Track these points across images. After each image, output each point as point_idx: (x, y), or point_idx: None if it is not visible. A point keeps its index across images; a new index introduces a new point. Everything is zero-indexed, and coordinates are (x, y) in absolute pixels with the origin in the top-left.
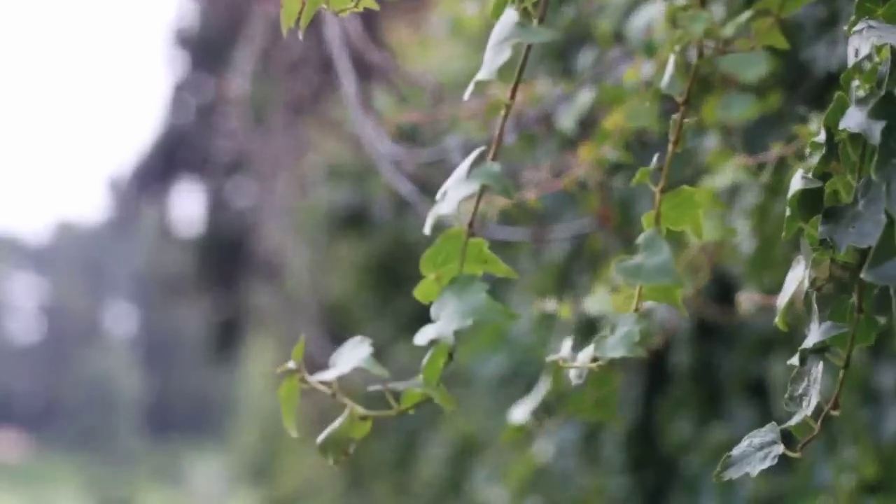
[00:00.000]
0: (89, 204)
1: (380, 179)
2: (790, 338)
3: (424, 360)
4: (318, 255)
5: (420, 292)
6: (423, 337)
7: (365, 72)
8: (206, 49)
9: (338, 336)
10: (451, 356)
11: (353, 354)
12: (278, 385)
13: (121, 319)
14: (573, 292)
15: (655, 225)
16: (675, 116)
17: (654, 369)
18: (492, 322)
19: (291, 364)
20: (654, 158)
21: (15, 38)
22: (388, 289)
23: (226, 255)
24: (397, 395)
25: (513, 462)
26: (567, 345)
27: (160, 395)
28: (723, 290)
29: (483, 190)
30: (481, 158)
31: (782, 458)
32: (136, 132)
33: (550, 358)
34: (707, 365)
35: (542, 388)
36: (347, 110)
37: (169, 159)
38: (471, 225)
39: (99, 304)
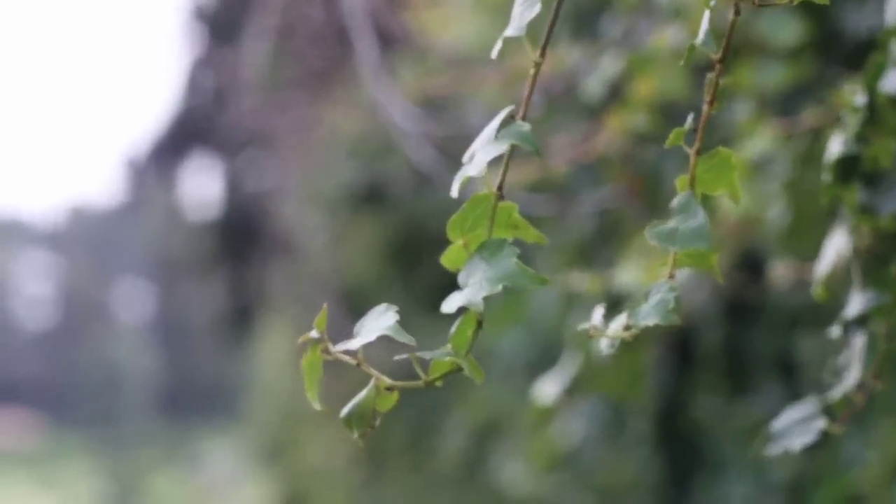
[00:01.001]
0: (103, 186)
1: (399, 155)
2: (819, 315)
3: (453, 329)
4: (335, 232)
5: (447, 259)
6: (450, 304)
7: (385, 42)
8: (223, 25)
9: (355, 315)
10: (480, 324)
11: (379, 323)
12: (297, 360)
13: (134, 301)
14: (598, 268)
15: (690, 188)
16: (711, 75)
17: (681, 348)
18: (523, 287)
19: (314, 333)
20: (689, 118)
21: (28, 19)
22: (407, 267)
23: (241, 236)
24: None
25: (535, 442)
26: (598, 313)
27: (174, 376)
28: (751, 266)
29: (512, 150)
30: (510, 119)
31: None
32: (150, 112)
33: (582, 326)
34: (735, 343)
35: (571, 365)
36: (367, 83)
37: (184, 139)
38: (500, 188)
39: (112, 286)
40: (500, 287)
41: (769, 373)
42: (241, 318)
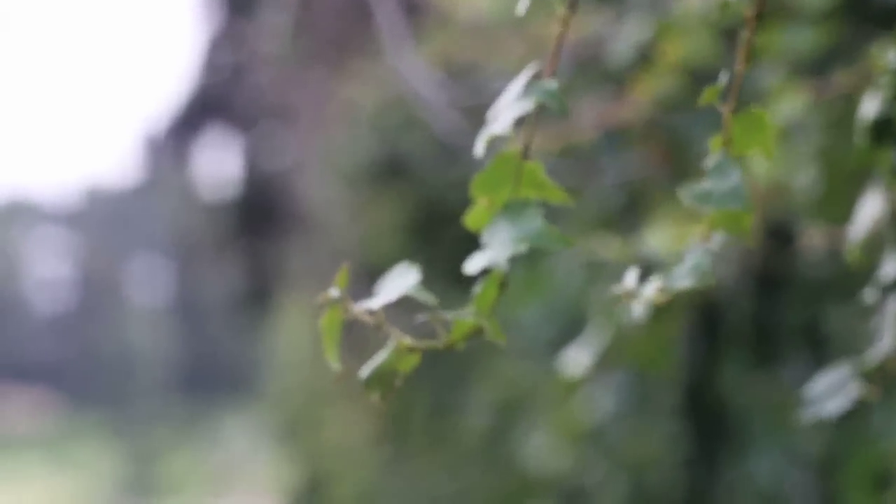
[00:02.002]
0: (119, 166)
1: (420, 127)
2: (847, 285)
3: (476, 290)
4: (355, 207)
5: (471, 219)
6: (474, 264)
7: (407, 11)
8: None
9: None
10: (504, 285)
11: (400, 282)
12: (316, 337)
13: (151, 281)
14: (623, 237)
15: (724, 148)
16: (745, 33)
17: (708, 320)
18: (547, 247)
19: (334, 293)
20: (723, 77)
21: None
22: (428, 242)
23: (259, 213)
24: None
25: (559, 416)
26: (632, 276)
27: (191, 356)
28: (779, 237)
29: (539, 109)
30: (536, 77)
31: None
32: (167, 89)
33: (615, 290)
34: (763, 315)
35: (601, 335)
36: (388, 52)
37: (201, 115)
38: (525, 147)
39: (129, 266)
40: (524, 247)
41: (797, 345)
42: (259, 296)
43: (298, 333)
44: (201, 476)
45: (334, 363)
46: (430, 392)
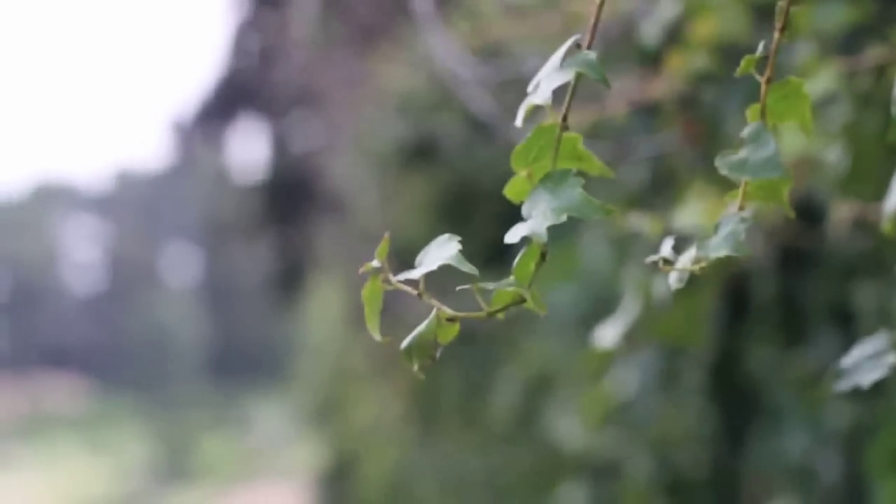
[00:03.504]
0: (150, 150)
1: (450, 110)
2: (876, 262)
3: (516, 260)
4: (385, 190)
5: (510, 190)
6: (514, 234)
7: None
8: None
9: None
10: (544, 256)
11: (441, 252)
12: (347, 318)
13: (183, 264)
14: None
15: (761, 118)
16: (782, 2)
17: (736, 298)
18: (589, 218)
19: (376, 263)
20: (760, 46)
21: None
22: (458, 223)
23: (289, 196)
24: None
25: (589, 394)
26: (668, 245)
27: (222, 339)
28: (807, 214)
29: (578, 79)
30: (576, 47)
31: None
32: (196, 75)
33: (650, 259)
34: (791, 292)
35: (632, 308)
36: (421, 32)
37: (231, 100)
38: (564, 118)
39: (160, 250)
40: (564, 217)
41: (825, 322)
42: (290, 279)
43: (328, 315)
44: (232, 460)
45: (375, 333)
46: (461, 371)
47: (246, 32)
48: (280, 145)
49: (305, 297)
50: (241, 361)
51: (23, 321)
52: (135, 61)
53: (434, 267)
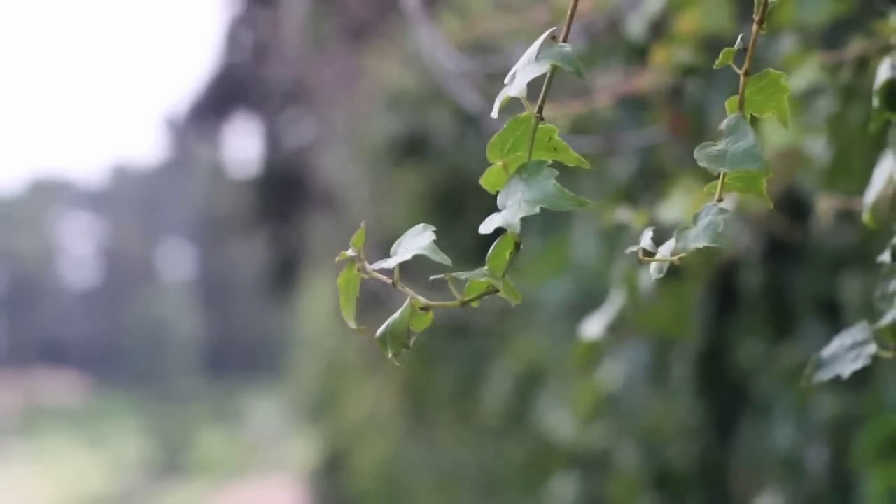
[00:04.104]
0: (145, 145)
1: (441, 105)
2: (863, 255)
3: (490, 250)
4: (378, 185)
5: (486, 180)
6: (488, 225)
7: None
8: None
9: (399, 266)
10: (518, 246)
11: (415, 242)
12: (340, 313)
13: (177, 260)
14: (642, 208)
15: (739, 110)
16: None
17: (723, 290)
18: (562, 209)
19: (351, 252)
20: (738, 38)
21: None
22: (450, 219)
23: (283, 191)
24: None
25: (579, 388)
26: (647, 236)
27: (218, 334)
28: (794, 207)
29: (554, 72)
30: (551, 40)
31: (857, 374)
32: (191, 70)
33: (630, 250)
34: (778, 285)
35: (618, 300)
36: (408, 30)
37: (225, 96)
38: (540, 110)
39: (156, 246)
40: (538, 208)
41: (813, 315)
42: (285, 275)
43: (322, 310)
44: (229, 455)
45: (350, 321)
46: (453, 365)
47: (239, 29)
48: (273, 141)
49: (300, 291)
50: (237, 356)
51: (19, 316)
52: (130, 57)
53: (408, 257)
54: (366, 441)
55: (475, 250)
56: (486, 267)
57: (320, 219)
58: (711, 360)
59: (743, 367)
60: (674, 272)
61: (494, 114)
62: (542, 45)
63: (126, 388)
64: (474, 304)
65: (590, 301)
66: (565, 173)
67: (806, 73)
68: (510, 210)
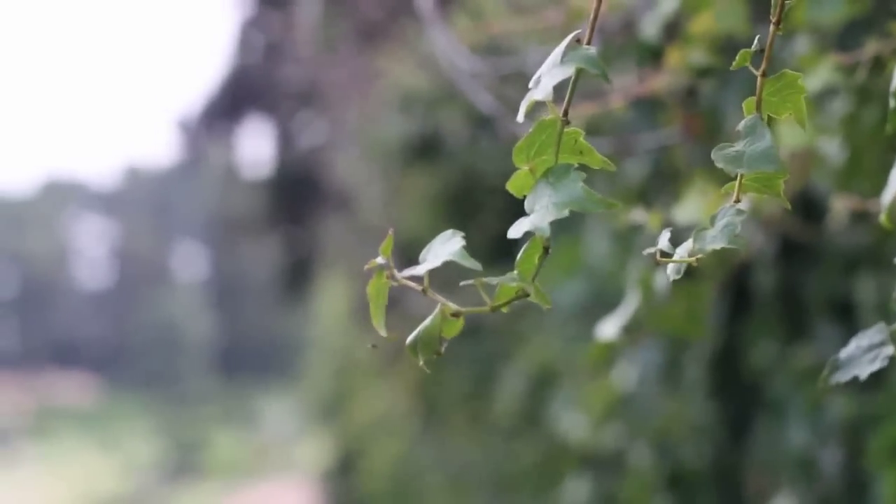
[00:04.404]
0: (157, 147)
1: (453, 106)
2: (877, 256)
3: (519, 255)
4: (391, 186)
5: (513, 185)
6: (517, 230)
7: None
8: None
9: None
10: (546, 250)
11: (444, 248)
12: (353, 314)
13: (190, 261)
14: (658, 209)
15: (757, 111)
16: None
17: (737, 291)
18: (590, 211)
19: (381, 260)
20: (756, 39)
21: None
22: (463, 219)
23: (295, 193)
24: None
25: (592, 389)
26: (665, 237)
27: (230, 336)
28: (808, 207)
29: (578, 75)
30: (576, 43)
31: (871, 375)
32: (203, 72)
33: (647, 251)
34: (791, 285)
35: (633, 301)
36: (422, 31)
37: (237, 98)
38: (566, 113)
39: (168, 247)
40: (567, 212)
41: (827, 315)
42: (297, 276)
43: (335, 311)
44: (241, 456)
45: (380, 329)
46: (466, 366)
47: (251, 31)
48: (286, 142)
49: (312, 293)
50: (250, 358)
51: (31, 318)
52: (143, 59)
53: (438, 263)
54: (378, 442)
55: (488, 252)
56: (515, 272)
57: (333, 220)
58: (725, 361)
59: (756, 367)
60: (688, 273)
61: (521, 118)
62: (566, 48)
63: (138, 389)
64: (504, 310)
65: (603, 302)
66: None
67: (821, 74)
68: (538, 214)
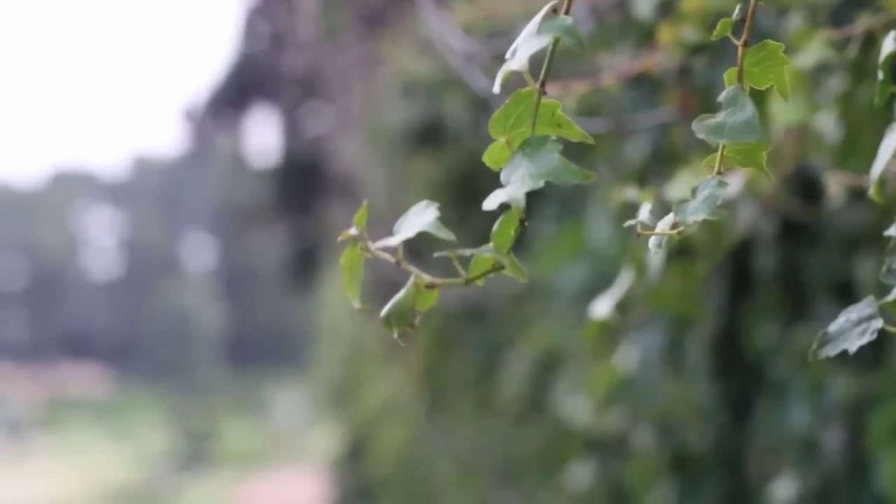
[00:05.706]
0: (165, 137)
1: (455, 92)
2: (877, 235)
3: (495, 227)
4: (394, 172)
5: (489, 157)
6: (492, 201)
7: None
8: None
9: (415, 255)
10: (522, 222)
11: (419, 219)
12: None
13: (199, 251)
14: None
15: (738, 82)
16: None
17: (737, 272)
18: (566, 183)
19: (354, 230)
20: (737, 9)
21: None
22: (465, 204)
23: (302, 181)
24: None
25: (594, 372)
26: (646, 210)
27: (240, 325)
28: (806, 187)
29: (555, 44)
30: (552, 13)
31: (872, 355)
32: (209, 62)
33: (628, 223)
34: (791, 266)
35: (626, 279)
36: (421, 16)
37: (242, 87)
38: (542, 84)
39: (177, 237)
40: (542, 183)
41: (827, 295)
42: (305, 264)
43: (342, 299)
44: (253, 445)
45: (355, 301)
46: (471, 352)
47: (256, 19)
48: (292, 131)
49: (321, 281)
50: (260, 347)
51: (42, 309)
52: (149, 50)
53: (412, 234)
54: (386, 428)
55: (490, 235)
56: (491, 244)
57: (339, 207)
58: (726, 343)
59: (758, 349)
60: (684, 252)
61: (496, 89)
62: (542, 19)
63: (149, 379)
64: (479, 283)
65: (606, 286)
66: (579, 156)
67: (813, 50)
68: (514, 185)
